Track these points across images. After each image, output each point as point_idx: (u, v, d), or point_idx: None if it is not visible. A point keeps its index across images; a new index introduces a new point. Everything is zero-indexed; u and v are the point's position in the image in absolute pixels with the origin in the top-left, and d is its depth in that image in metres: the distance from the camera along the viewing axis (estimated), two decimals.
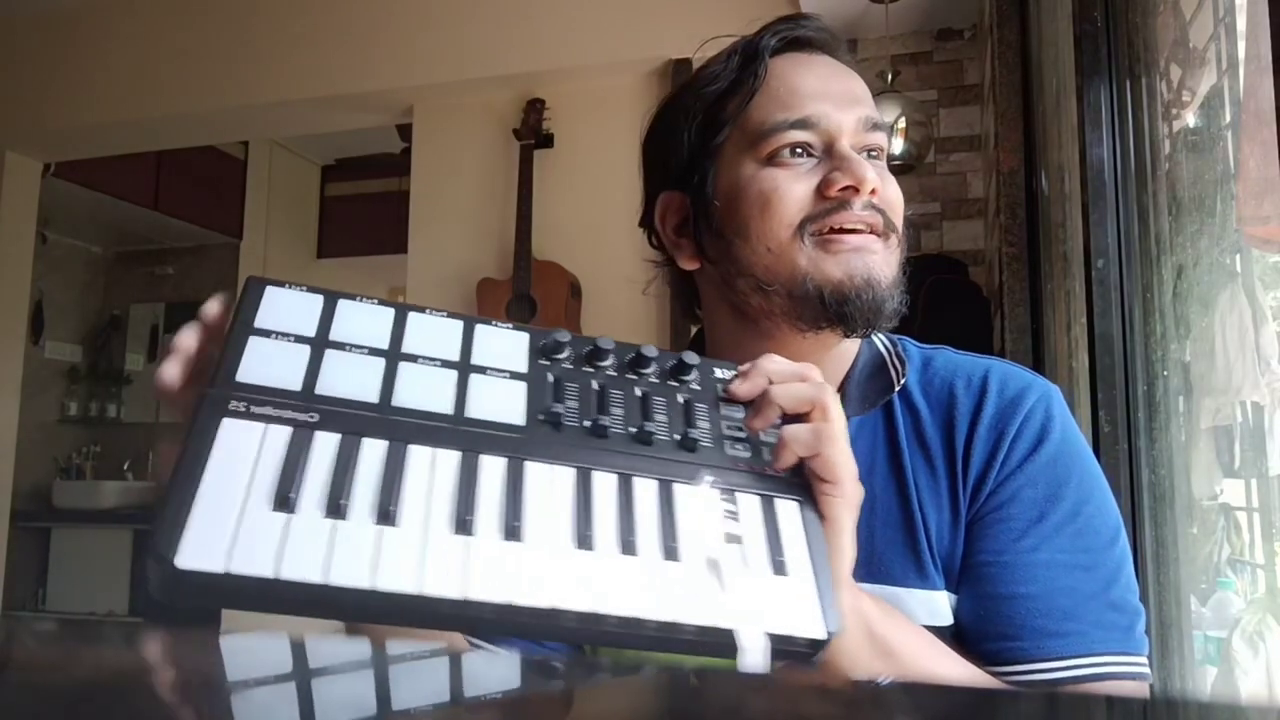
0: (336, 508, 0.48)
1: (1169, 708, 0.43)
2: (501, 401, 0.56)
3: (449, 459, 0.52)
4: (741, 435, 0.58)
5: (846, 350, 0.78)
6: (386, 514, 0.49)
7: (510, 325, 0.60)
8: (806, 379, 0.59)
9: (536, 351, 0.59)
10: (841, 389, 0.77)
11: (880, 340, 0.80)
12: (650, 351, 0.60)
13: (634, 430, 0.56)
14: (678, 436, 0.57)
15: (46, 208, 4.14)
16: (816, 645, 0.50)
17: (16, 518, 4.11)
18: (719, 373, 0.61)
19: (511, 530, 0.50)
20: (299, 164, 5.35)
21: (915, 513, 0.72)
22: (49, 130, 3.71)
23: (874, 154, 0.76)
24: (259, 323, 0.56)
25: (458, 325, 0.59)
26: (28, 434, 4.24)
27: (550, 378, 0.58)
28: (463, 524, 0.49)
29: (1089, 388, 1.55)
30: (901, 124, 2.50)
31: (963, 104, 2.81)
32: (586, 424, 0.56)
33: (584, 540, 0.51)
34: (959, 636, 0.70)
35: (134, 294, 5.35)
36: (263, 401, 0.52)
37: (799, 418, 0.58)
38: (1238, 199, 1.25)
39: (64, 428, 5.08)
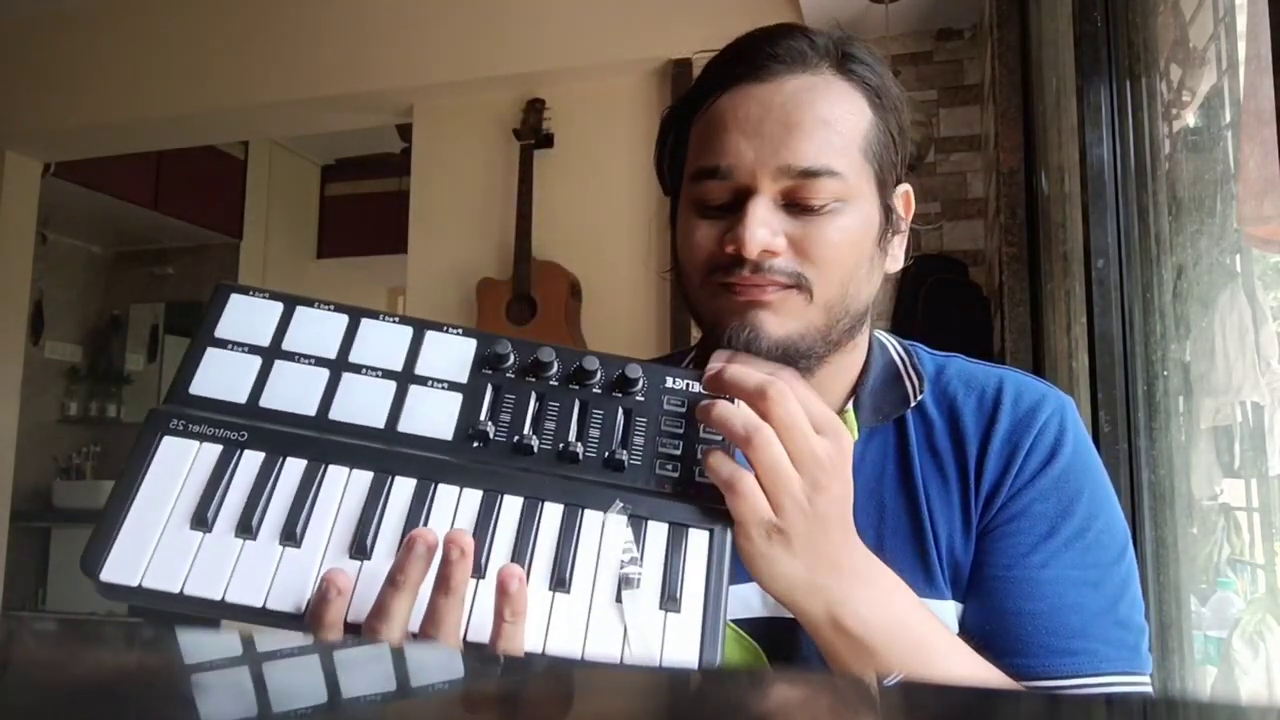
0: (247, 527, 0.52)
1: (1169, 708, 0.43)
2: (434, 415, 0.57)
3: (361, 480, 0.54)
4: (675, 452, 0.58)
5: (839, 366, 0.76)
6: (291, 535, 0.52)
7: (461, 330, 0.60)
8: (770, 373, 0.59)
9: (480, 361, 0.59)
10: (854, 397, 0.76)
11: (894, 348, 0.79)
12: (591, 363, 0.59)
13: (561, 448, 0.57)
14: (606, 454, 0.57)
15: (46, 208, 4.14)
16: None
17: (16, 518, 4.11)
18: (670, 383, 0.61)
19: None
20: (299, 164, 5.35)
21: (925, 523, 0.71)
22: (49, 130, 3.71)
23: (807, 203, 0.69)
24: (219, 332, 0.59)
25: (408, 333, 0.60)
26: (28, 434, 4.24)
27: (489, 389, 0.59)
28: (360, 549, 0.52)
29: (1089, 388, 1.55)
30: None
31: (963, 104, 2.80)
32: (514, 440, 0.57)
33: (475, 569, 0.52)
34: None
35: (134, 294, 5.35)
36: (200, 419, 0.55)
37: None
38: (1238, 199, 1.25)
39: (64, 428, 5.08)
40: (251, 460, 0.54)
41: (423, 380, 0.58)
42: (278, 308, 0.60)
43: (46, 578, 4.73)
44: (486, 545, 0.53)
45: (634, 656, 0.51)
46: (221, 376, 0.57)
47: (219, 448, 0.54)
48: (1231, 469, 1.36)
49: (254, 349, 0.58)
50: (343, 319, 0.60)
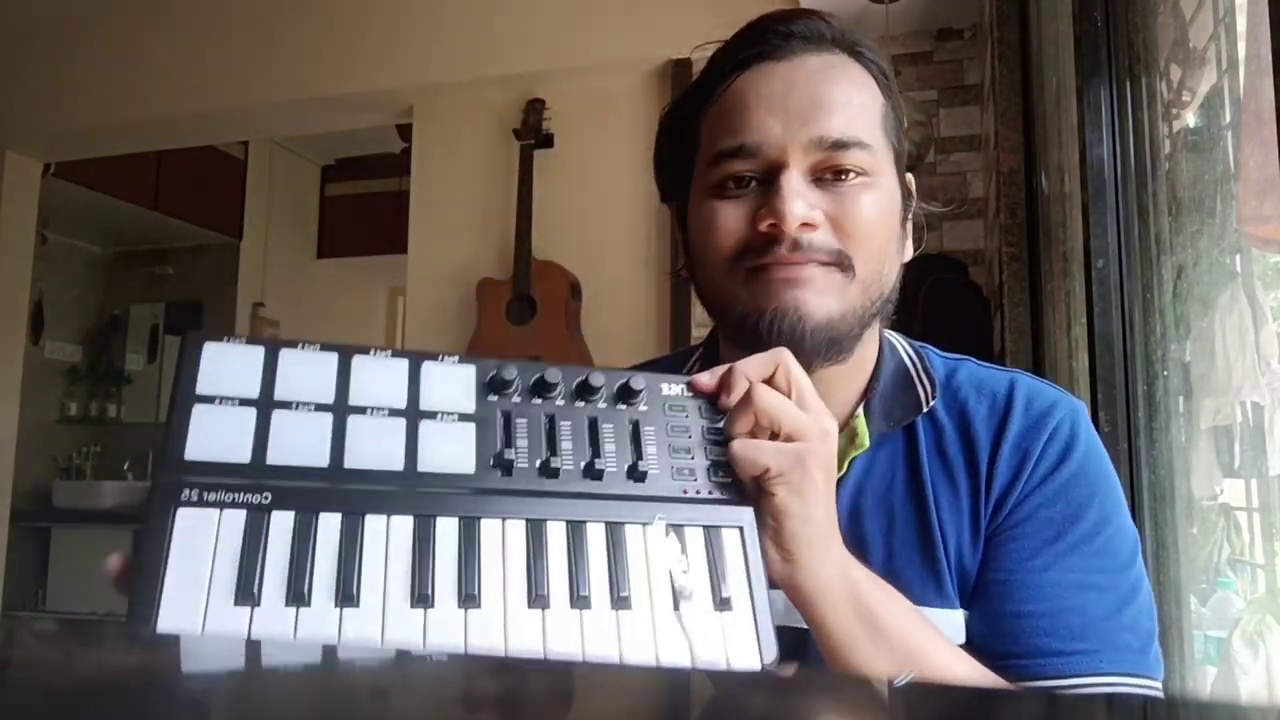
0: (299, 595, 0.49)
1: (1169, 708, 0.43)
2: (452, 449, 0.55)
3: (403, 526, 0.52)
4: (690, 459, 0.59)
5: (851, 367, 0.74)
6: (349, 596, 0.49)
7: (456, 358, 0.59)
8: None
9: (484, 387, 0.58)
10: (865, 402, 0.75)
11: (905, 350, 0.78)
12: (597, 379, 0.59)
13: (584, 466, 0.57)
14: (627, 466, 0.57)
15: (46, 208, 4.13)
16: (755, 671, 0.53)
17: (16, 518, 4.11)
18: (666, 389, 0.61)
19: (469, 598, 0.51)
20: (299, 164, 5.35)
21: (934, 530, 0.71)
22: (49, 130, 3.71)
23: (841, 174, 0.69)
24: (201, 388, 0.54)
25: (403, 366, 0.57)
26: (28, 434, 4.23)
27: (499, 415, 0.57)
28: (421, 598, 0.50)
29: (1089, 388, 1.55)
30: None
31: (963, 104, 2.80)
32: (537, 464, 0.56)
33: (538, 600, 0.52)
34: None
35: (134, 294, 5.35)
36: (213, 486, 0.51)
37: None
38: (1238, 199, 1.25)
39: (64, 428, 5.08)
40: (282, 522, 0.51)
41: (431, 414, 0.56)
42: (259, 352, 0.55)
43: (46, 578, 4.72)
44: (545, 573, 0.52)
45: (701, 662, 0.52)
46: (216, 436, 0.52)
47: (243, 513, 0.50)
48: (1231, 469, 1.35)
49: (245, 401, 0.53)
50: (332, 357, 0.56)
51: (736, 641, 0.53)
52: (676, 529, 0.56)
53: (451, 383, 0.58)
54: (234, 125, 3.88)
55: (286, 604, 0.48)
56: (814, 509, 0.58)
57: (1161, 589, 1.44)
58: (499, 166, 3.13)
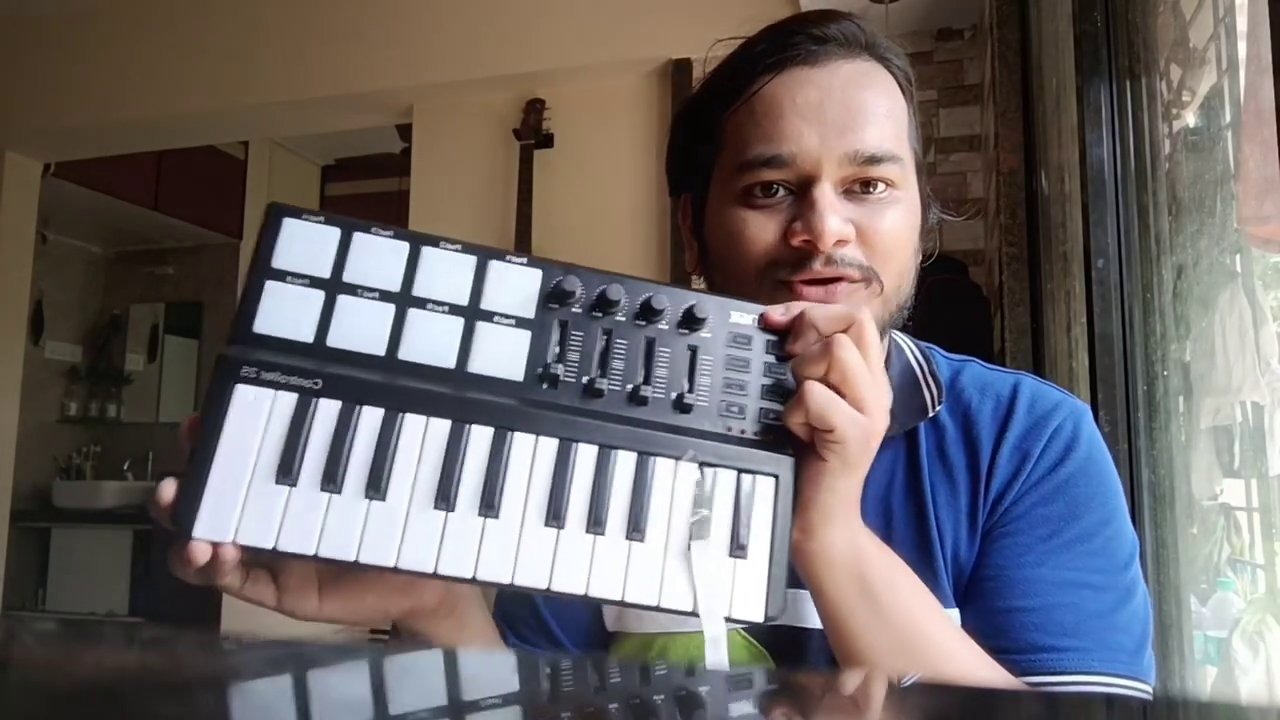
0: (332, 480, 0.52)
1: (1169, 708, 0.43)
2: (503, 354, 0.57)
3: (440, 430, 0.55)
4: (742, 396, 0.58)
5: None
6: (377, 488, 0.53)
7: (524, 259, 0.59)
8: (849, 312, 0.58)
9: (547, 296, 0.58)
10: None
11: (911, 351, 0.78)
12: (661, 301, 0.58)
13: (630, 390, 0.57)
14: (674, 395, 0.57)
15: (46, 208, 4.14)
16: (757, 622, 0.54)
17: (16, 518, 4.11)
18: (735, 317, 0.60)
19: (488, 507, 0.53)
20: (299, 164, 5.35)
21: (931, 530, 0.71)
22: (49, 130, 3.71)
23: (869, 186, 0.69)
24: (276, 262, 0.56)
25: (471, 262, 0.59)
26: (28, 434, 4.24)
27: (556, 325, 0.58)
28: (444, 499, 0.53)
29: (1089, 388, 1.55)
30: None
31: (963, 104, 2.81)
32: (583, 381, 0.57)
33: (554, 518, 0.53)
34: None
35: (134, 294, 5.35)
36: (270, 365, 0.54)
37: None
38: (1238, 199, 1.25)
39: (64, 428, 5.08)
40: (328, 410, 0.54)
41: (489, 316, 0.57)
42: (335, 234, 0.58)
43: (46, 578, 4.73)
44: (565, 494, 0.54)
45: (703, 608, 0.52)
46: (284, 312, 0.55)
47: (294, 397, 0.54)
48: (1231, 469, 1.36)
49: (315, 281, 0.56)
50: (403, 247, 0.59)
51: (743, 590, 0.54)
52: (707, 467, 0.56)
53: (515, 285, 0.58)
54: (234, 125, 3.88)
55: (321, 489, 0.52)
56: (854, 486, 0.58)
57: (1161, 589, 1.44)
58: (499, 166, 3.14)
